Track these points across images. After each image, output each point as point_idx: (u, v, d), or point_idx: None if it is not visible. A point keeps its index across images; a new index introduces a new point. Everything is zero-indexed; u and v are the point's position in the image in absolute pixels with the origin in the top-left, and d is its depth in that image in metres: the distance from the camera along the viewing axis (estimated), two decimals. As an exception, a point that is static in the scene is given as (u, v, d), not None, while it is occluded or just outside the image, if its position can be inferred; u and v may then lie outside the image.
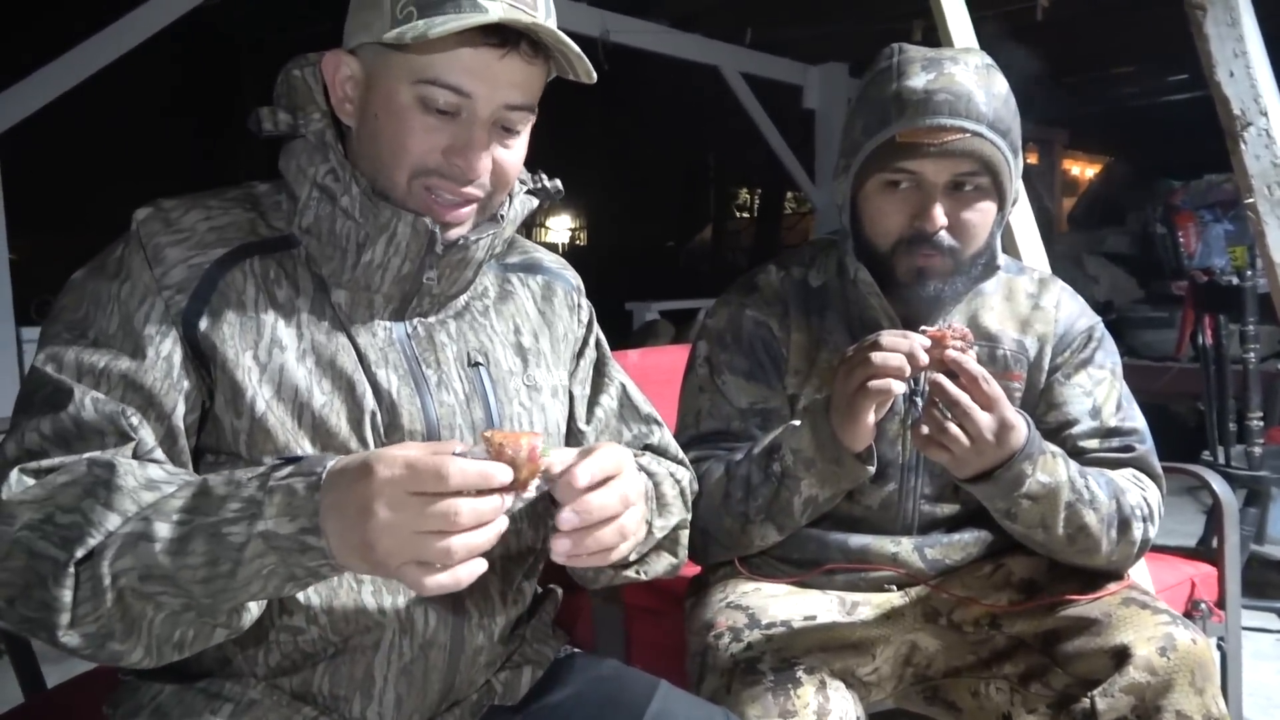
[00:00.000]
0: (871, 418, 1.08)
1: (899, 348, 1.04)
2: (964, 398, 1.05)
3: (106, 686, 0.97)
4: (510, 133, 0.89)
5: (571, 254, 13.41)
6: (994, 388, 1.06)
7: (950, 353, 1.04)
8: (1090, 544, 1.17)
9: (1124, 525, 1.19)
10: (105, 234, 0.90)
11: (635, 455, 1.07)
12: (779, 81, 5.78)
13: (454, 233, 0.89)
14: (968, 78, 1.14)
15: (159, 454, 0.81)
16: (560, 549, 0.75)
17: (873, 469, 1.15)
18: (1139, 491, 1.23)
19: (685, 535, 1.05)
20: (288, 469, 0.72)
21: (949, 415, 1.06)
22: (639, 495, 0.80)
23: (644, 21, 4.81)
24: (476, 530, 0.68)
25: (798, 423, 1.17)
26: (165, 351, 0.82)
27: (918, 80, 1.14)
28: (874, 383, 1.04)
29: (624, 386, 1.10)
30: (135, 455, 0.79)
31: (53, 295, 0.87)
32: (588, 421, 1.06)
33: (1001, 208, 1.20)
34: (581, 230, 15.56)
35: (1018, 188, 1.21)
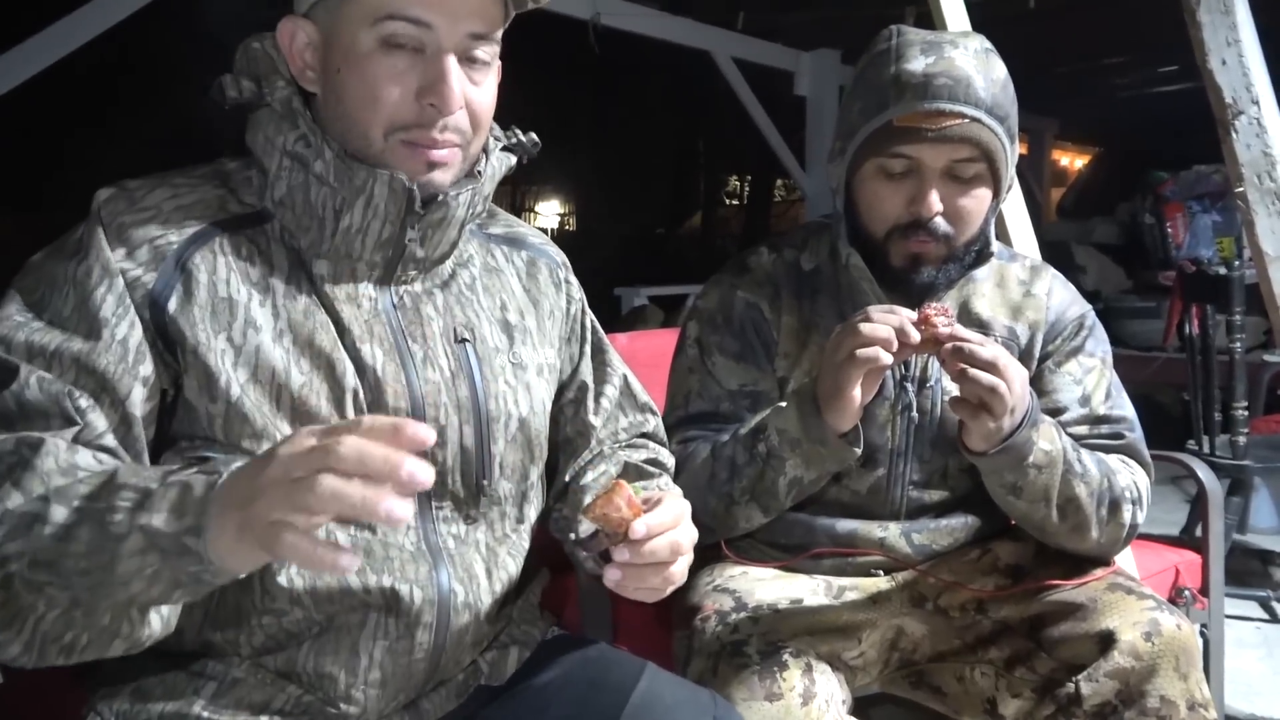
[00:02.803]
0: (858, 393, 1.08)
1: (888, 321, 1.04)
2: (1000, 355, 1.04)
3: (85, 668, 0.96)
4: (477, 67, 0.87)
5: (561, 239, 13.35)
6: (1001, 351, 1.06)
7: (943, 329, 1.04)
8: (1081, 519, 1.17)
9: (1114, 506, 1.19)
10: (70, 215, 0.87)
11: (637, 450, 1.08)
12: (771, 67, 5.75)
13: (438, 176, 0.87)
14: (967, 62, 1.13)
15: (109, 440, 0.78)
16: (611, 577, 0.84)
17: (858, 451, 1.14)
18: (1129, 474, 1.24)
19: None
20: (195, 468, 0.69)
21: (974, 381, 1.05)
22: (690, 546, 0.87)
23: (636, 5, 4.77)
24: (350, 483, 0.59)
25: (784, 404, 1.16)
26: (121, 335, 0.79)
27: (917, 64, 1.13)
28: (862, 351, 1.03)
29: (625, 376, 1.11)
30: (81, 440, 0.76)
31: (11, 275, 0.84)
32: (596, 414, 1.07)
33: (996, 194, 1.20)
34: (571, 216, 15.50)
35: (1013, 175, 1.21)
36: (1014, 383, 1.05)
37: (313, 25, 0.86)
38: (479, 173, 0.92)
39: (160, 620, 0.74)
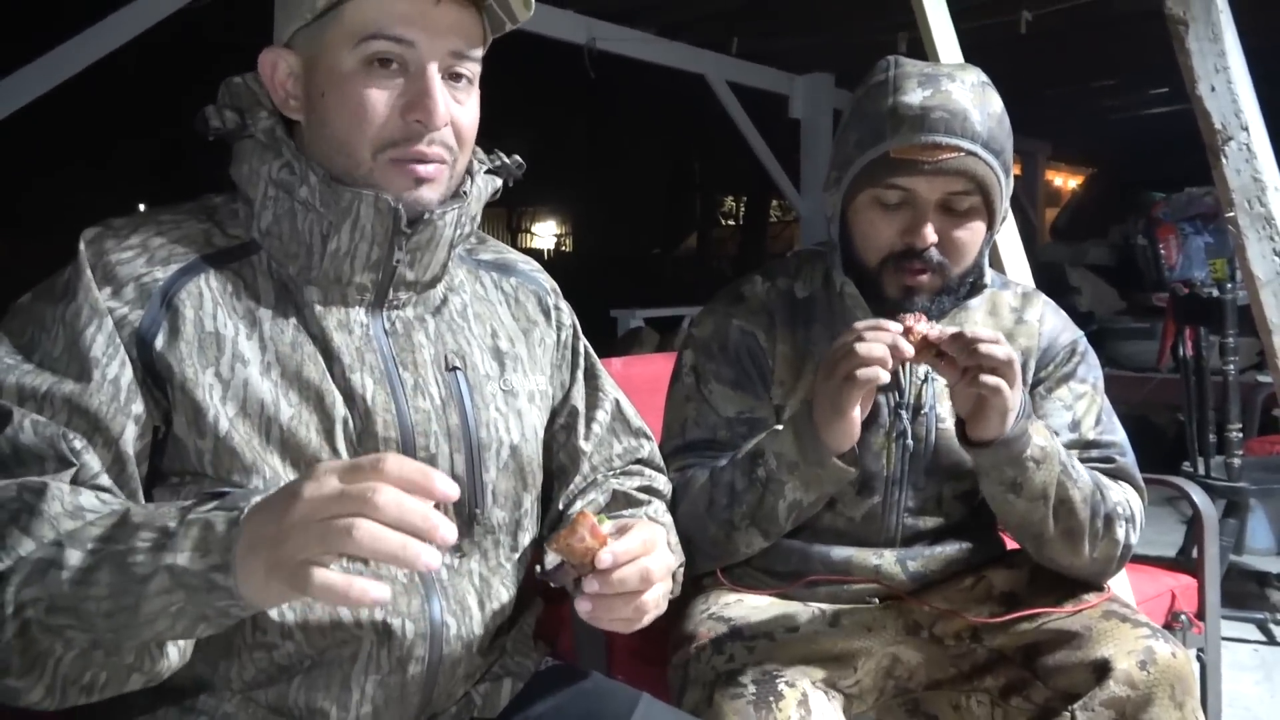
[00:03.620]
0: (857, 412, 1.08)
1: (881, 338, 1.04)
2: (998, 350, 1.04)
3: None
4: (460, 85, 0.88)
5: (556, 260, 13.39)
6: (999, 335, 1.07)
7: (933, 333, 1.05)
8: (1075, 524, 1.17)
9: (1108, 520, 1.19)
10: (65, 235, 0.88)
11: (632, 477, 1.08)
12: (765, 91, 5.79)
13: (426, 192, 0.87)
14: (964, 96, 1.14)
15: (104, 479, 0.78)
16: (582, 609, 0.82)
17: (855, 471, 1.14)
18: (1120, 491, 1.24)
19: (681, 573, 1.05)
20: (211, 503, 0.69)
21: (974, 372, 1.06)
22: (663, 573, 0.85)
23: (630, 30, 4.81)
24: (387, 530, 0.61)
25: (780, 427, 1.16)
26: (112, 374, 0.79)
27: (914, 96, 1.14)
28: (862, 372, 1.03)
29: (617, 401, 1.11)
30: (78, 481, 0.76)
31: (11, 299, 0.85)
32: (587, 438, 1.06)
33: (991, 226, 1.21)
34: (567, 237, 15.55)
35: (1007, 207, 1.22)
36: (1016, 362, 1.06)
37: (293, 54, 0.87)
38: (464, 193, 0.93)
39: (178, 652, 0.75)
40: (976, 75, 1.18)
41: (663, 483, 1.14)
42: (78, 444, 0.77)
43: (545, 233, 15.64)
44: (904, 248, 1.17)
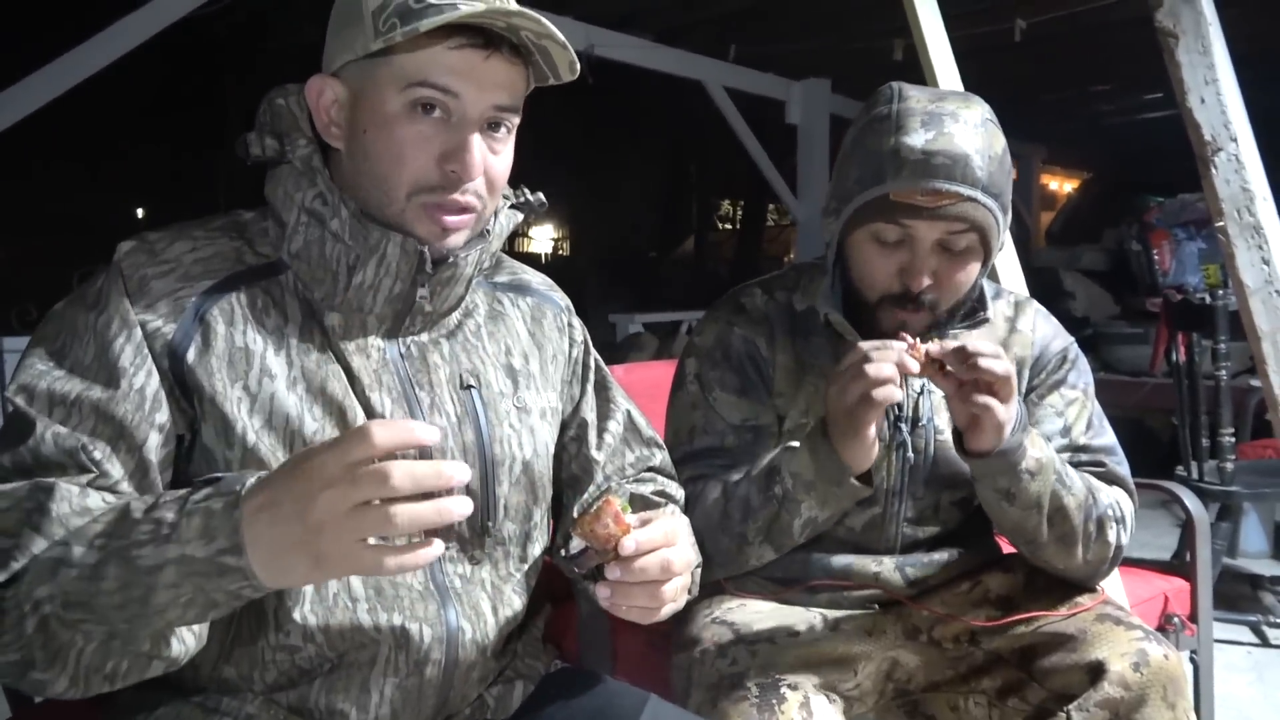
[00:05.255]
0: (872, 431, 1.11)
1: (888, 358, 1.06)
2: (997, 365, 1.07)
3: (97, 703, 0.97)
4: (498, 136, 0.90)
5: (554, 264, 13.41)
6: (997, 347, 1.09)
7: (934, 348, 1.08)
8: (1068, 529, 1.20)
9: (1100, 523, 1.22)
10: (83, 241, 0.90)
11: (644, 484, 1.10)
12: (762, 96, 5.82)
13: (452, 240, 0.90)
14: (966, 138, 1.13)
15: (125, 486, 0.81)
16: (601, 595, 0.84)
17: (871, 489, 1.16)
18: (1110, 493, 1.27)
19: (699, 573, 1.06)
20: (205, 490, 0.72)
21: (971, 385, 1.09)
22: (684, 566, 0.87)
23: (628, 36, 4.84)
24: (419, 503, 0.67)
25: (796, 443, 1.18)
26: (139, 384, 0.82)
27: (916, 139, 1.13)
28: (878, 392, 1.05)
29: (629, 412, 1.12)
30: (96, 486, 0.79)
31: (32, 303, 0.88)
32: (599, 448, 1.08)
33: (985, 262, 1.23)
34: (565, 241, 15.56)
35: (1003, 241, 1.23)
36: (1013, 378, 1.09)
37: (341, 84, 0.89)
38: (487, 231, 0.95)
39: (194, 638, 0.77)
40: (980, 113, 1.17)
41: (675, 489, 1.16)
42: (98, 454, 0.80)
43: (543, 236, 15.65)
44: (900, 289, 1.19)
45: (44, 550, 0.73)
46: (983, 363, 1.06)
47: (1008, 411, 1.10)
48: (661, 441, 1.16)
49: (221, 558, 0.68)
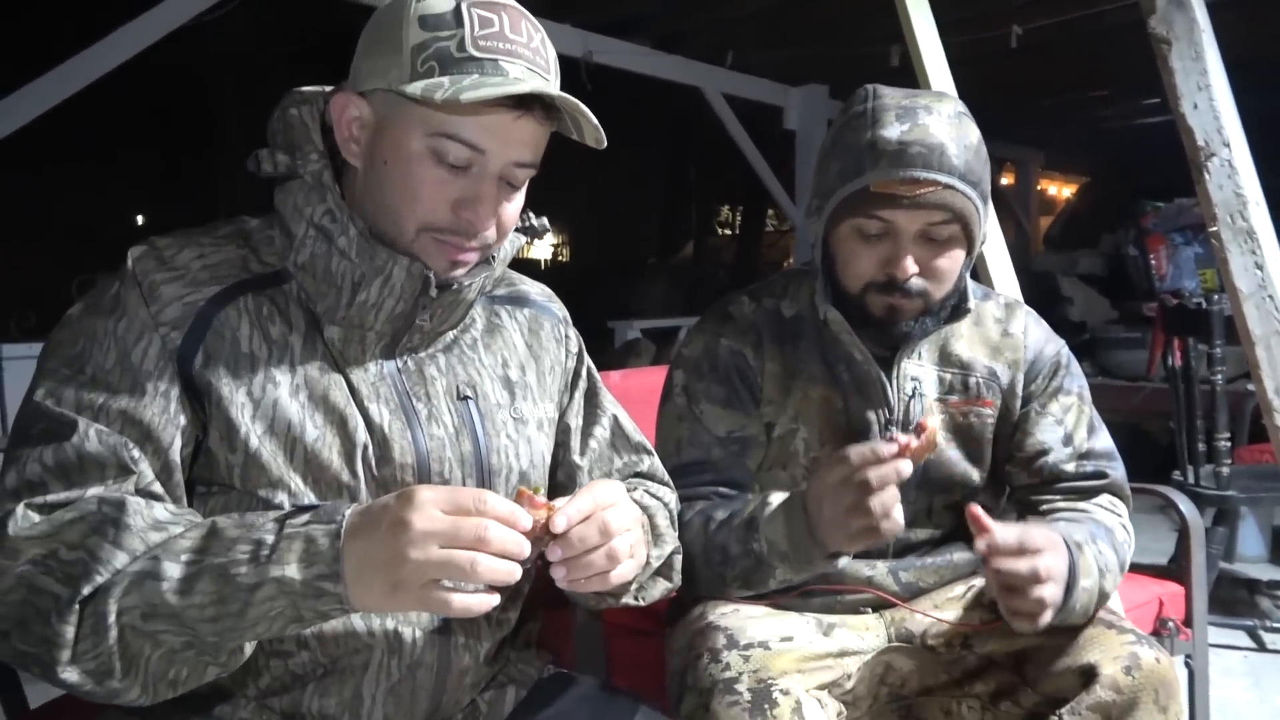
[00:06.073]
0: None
1: (889, 481, 1.03)
2: (1040, 564, 1.06)
3: (93, 707, 0.98)
4: (514, 188, 0.91)
5: (553, 270, 13.41)
6: (1032, 553, 1.07)
7: (922, 440, 1.04)
8: (1104, 602, 1.22)
9: (1122, 566, 1.25)
10: (82, 249, 0.91)
11: (630, 489, 1.09)
12: (760, 102, 5.84)
13: (458, 272, 0.91)
14: (941, 129, 1.16)
15: (157, 488, 0.82)
16: (557, 576, 0.84)
17: (847, 558, 1.16)
18: (1119, 523, 1.28)
19: (679, 560, 1.07)
20: (305, 515, 0.75)
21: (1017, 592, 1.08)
22: (629, 522, 0.86)
23: (626, 43, 4.85)
24: (498, 559, 0.73)
25: (774, 503, 1.16)
26: (163, 388, 0.84)
27: (892, 130, 1.16)
28: (886, 526, 1.04)
29: (616, 417, 1.12)
30: (139, 489, 0.81)
31: (30, 310, 0.88)
32: (582, 454, 1.08)
33: (970, 252, 1.24)
34: (564, 246, 15.58)
35: (986, 231, 1.24)
36: (1055, 573, 1.08)
37: (369, 107, 0.88)
38: (492, 258, 0.96)
39: (251, 646, 0.80)
40: (953, 106, 1.20)
41: (667, 494, 1.15)
42: (135, 453, 0.81)
43: (542, 243, 15.67)
44: (885, 279, 1.20)
45: (128, 565, 0.75)
46: (1003, 565, 1.06)
47: (1052, 598, 1.08)
48: (650, 447, 1.16)
49: (320, 582, 0.73)
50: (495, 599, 0.75)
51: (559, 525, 0.81)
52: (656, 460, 1.17)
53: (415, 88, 0.82)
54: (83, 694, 0.75)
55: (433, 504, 0.73)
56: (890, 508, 1.04)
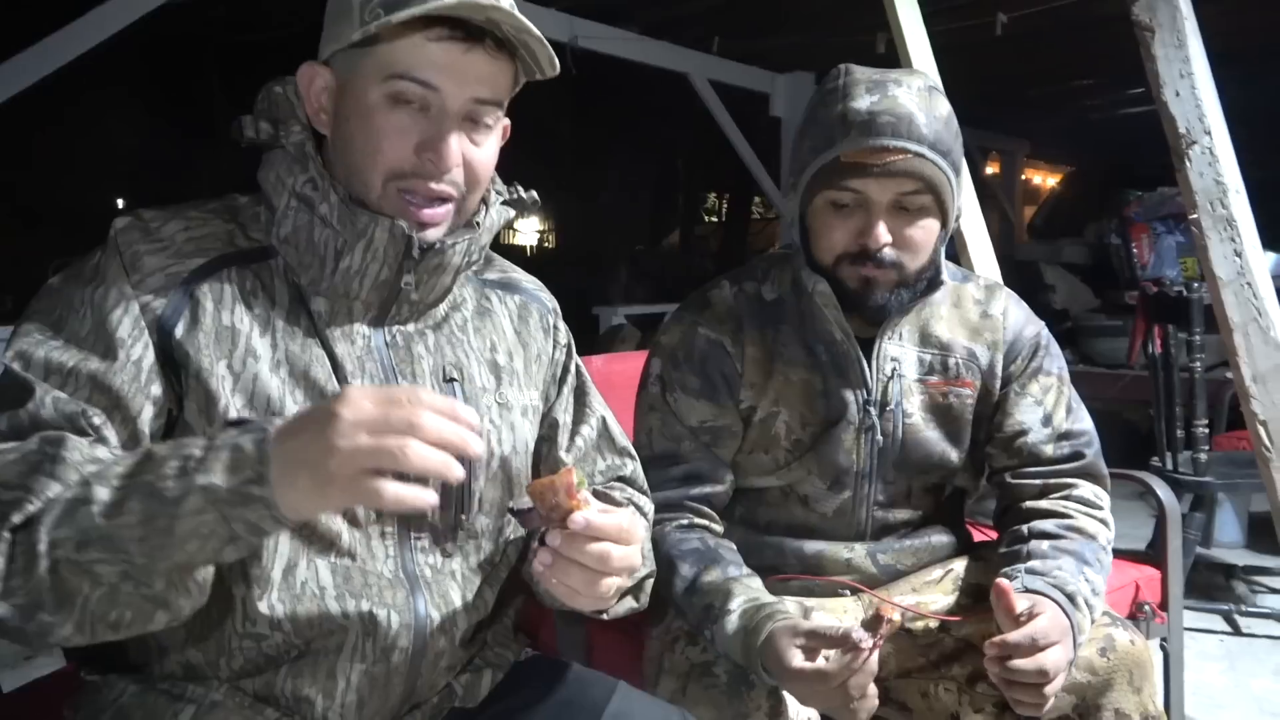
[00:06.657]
0: None
1: (864, 685, 1.02)
2: (1047, 661, 1.07)
3: (66, 690, 0.98)
4: (479, 129, 0.91)
5: (539, 256, 13.37)
6: (1029, 643, 1.08)
7: (899, 616, 1.02)
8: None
9: (1105, 573, 1.25)
10: (60, 233, 0.90)
11: (614, 491, 1.08)
12: (747, 89, 5.83)
13: (431, 234, 0.91)
14: (910, 100, 1.17)
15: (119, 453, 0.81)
16: (541, 560, 0.83)
17: None
18: (1101, 526, 1.29)
19: (650, 584, 1.06)
20: (232, 430, 0.73)
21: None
22: (630, 564, 0.85)
23: (613, 28, 4.83)
24: (431, 448, 0.69)
25: (734, 610, 1.13)
26: (136, 356, 0.83)
27: (862, 102, 1.17)
28: (854, 703, 1.03)
29: (604, 419, 1.12)
30: None
31: (6, 295, 0.88)
32: (568, 450, 1.08)
33: (944, 224, 1.24)
34: (550, 233, 15.53)
35: (961, 205, 1.25)
36: (1063, 665, 1.09)
37: (330, 72, 0.91)
38: (477, 224, 0.96)
39: (198, 589, 0.77)
40: (923, 80, 1.21)
41: (645, 502, 1.14)
42: (97, 420, 0.80)
43: (528, 229, 15.61)
44: (858, 248, 1.20)
45: (60, 494, 0.73)
46: (1018, 665, 1.07)
47: (1058, 687, 1.09)
48: (634, 452, 1.16)
49: (246, 487, 0.69)
50: (432, 496, 0.70)
51: (576, 523, 0.81)
52: (639, 466, 1.16)
53: (359, 32, 0.84)
54: (12, 630, 0.73)
55: (363, 396, 0.70)
56: (865, 691, 1.03)
